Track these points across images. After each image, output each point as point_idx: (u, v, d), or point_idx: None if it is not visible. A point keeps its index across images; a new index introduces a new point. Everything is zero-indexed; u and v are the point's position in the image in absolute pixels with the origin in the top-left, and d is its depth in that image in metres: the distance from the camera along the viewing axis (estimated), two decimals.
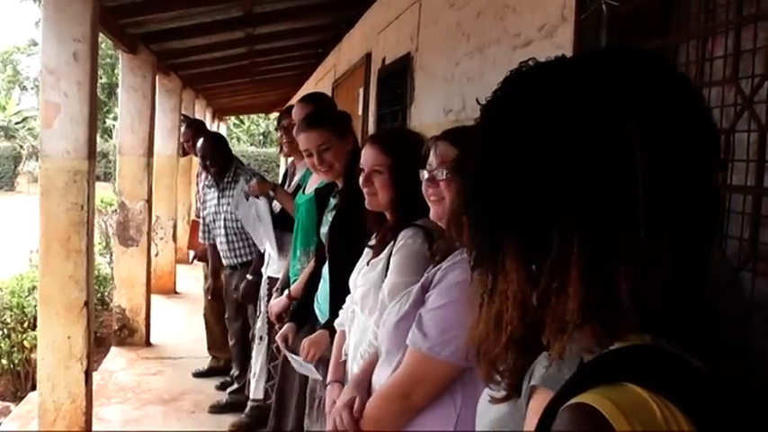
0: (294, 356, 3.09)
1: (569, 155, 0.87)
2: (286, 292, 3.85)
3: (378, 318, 2.15)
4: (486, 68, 3.42)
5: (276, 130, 4.69)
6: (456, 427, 1.80)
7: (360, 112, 6.68)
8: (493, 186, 0.93)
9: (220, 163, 5.09)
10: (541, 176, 0.89)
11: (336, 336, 2.70)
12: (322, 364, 2.90)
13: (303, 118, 3.40)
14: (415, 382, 1.87)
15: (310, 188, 3.76)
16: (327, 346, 2.89)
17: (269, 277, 4.48)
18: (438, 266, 1.92)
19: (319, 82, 10.94)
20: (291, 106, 4.57)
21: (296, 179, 4.45)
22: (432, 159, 1.98)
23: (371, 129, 6.13)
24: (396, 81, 5.32)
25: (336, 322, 2.69)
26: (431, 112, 4.26)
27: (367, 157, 2.46)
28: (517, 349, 1.15)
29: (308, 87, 12.50)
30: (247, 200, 4.59)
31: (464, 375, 1.81)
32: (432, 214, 2.00)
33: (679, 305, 0.90)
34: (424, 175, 1.99)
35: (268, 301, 4.25)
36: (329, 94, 9.18)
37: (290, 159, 4.89)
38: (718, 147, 0.95)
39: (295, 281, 3.80)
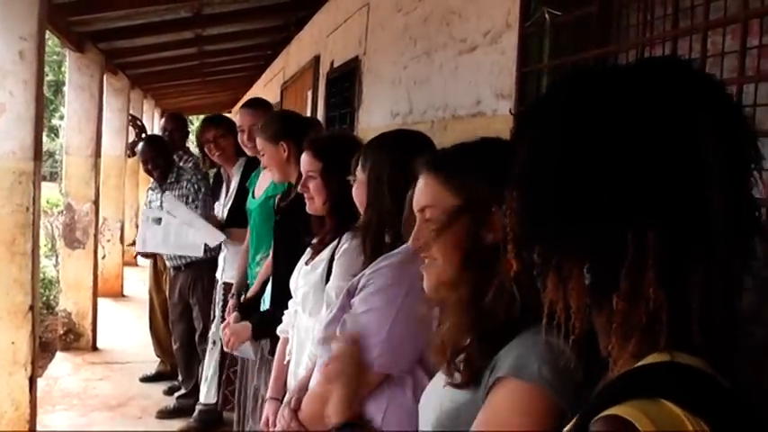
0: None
1: (646, 162, 0.87)
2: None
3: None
4: (433, 72, 3.45)
5: (202, 144, 4.63)
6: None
7: (309, 115, 6.67)
8: (562, 195, 0.92)
9: (161, 165, 5.05)
10: (618, 184, 0.88)
11: (278, 345, 2.71)
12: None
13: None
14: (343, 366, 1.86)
15: (260, 191, 3.75)
16: (248, 337, 3.08)
17: (224, 283, 4.44)
18: (363, 272, 1.92)
19: (268, 84, 10.91)
20: (210, 118, 4.67)
21: (233, 185, 4.49)
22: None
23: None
24: (344, 84, 5.33)
25: (279, 329, 2.69)
26: (379, 115, 4.27)
27: (303, 162, 2.49)
28: (491, 344, 1.26)
29: (257, 89, 12.45)
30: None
31: (391, 382, 1.78)
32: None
33: (725, 313, 0.91)
34: (351, 180, 2.03)
35: (223, 306, 4.23)
36: (278, 96, 9.18)
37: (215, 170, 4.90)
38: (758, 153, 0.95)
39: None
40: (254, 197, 3.84)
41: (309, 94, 6.77)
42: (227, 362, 4.27)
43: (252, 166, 4.17)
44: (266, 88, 11.22)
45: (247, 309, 3.41)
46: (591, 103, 0.93)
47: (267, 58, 10.48)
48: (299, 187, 2.52)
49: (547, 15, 2.27)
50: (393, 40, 4.17)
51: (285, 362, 2.57)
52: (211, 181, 5.05)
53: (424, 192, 1.46)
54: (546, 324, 0.98)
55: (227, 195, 4.59)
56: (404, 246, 1.85)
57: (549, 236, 0.94)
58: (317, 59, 6.58)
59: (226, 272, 4.47)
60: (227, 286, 4.36)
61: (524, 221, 0.98)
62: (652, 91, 0.91)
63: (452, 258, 1.38)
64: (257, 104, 4.02)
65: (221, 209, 4.60)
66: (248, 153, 3.91)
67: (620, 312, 0.90)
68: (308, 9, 7.00)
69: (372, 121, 4.49)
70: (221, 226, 4.48)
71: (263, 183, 3.70)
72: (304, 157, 2.50)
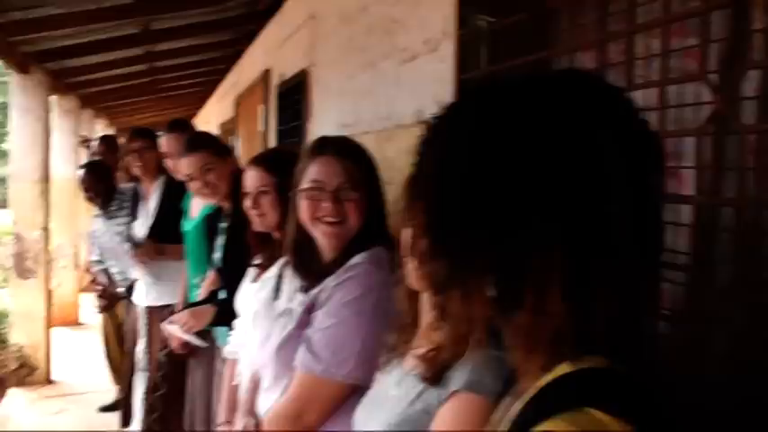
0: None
1: (549, 177, 0.86)
2: None
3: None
4: (377, 83, 3.44)
5: (124, 155, 4.53)
6: None
7: (261, 129, 6.63)
8: (468, 209, 0.90)
9: (102, 192, 4.93)
10: (522, 199, 0.87)
11: (226, 367, 2.67)
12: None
13: (183, 143, 3.36)
14: (309, 403, 1.84)
15: (195, 212, 3.69)
16: (208, 321, 3.03)
17: (148, 307, 4.35)
18: (322, 286, 1.90)
19: (222, 98, 10.83)
20: (140, 129, 4.55)
21: (153, 203, 4.38)
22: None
23: (273, 145, 6.08)
24: (294, 97, 5.29)
25: (227, 350, 2.66)
26: (328, 127, 4.25)
27: (251, 179, 2.47)
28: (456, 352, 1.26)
29: (211, 104, 12.37)
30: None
31: (357, 392, 1.79)
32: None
33: (633, 325, 0.91)
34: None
35: (148, 331, 4.15)
36: (232, 110, 9.12)
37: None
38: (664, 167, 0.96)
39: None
40: (190, 218, 3.76)
41: (261, 107, 6.71)
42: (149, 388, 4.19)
43: (172, 186, 4.10)
44: (220, 103, 11.15)
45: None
46: (496, 116, 0.91)
47: (220, 73, 10.39)
48: (246, 204, 2.48)
49: (482, 22, 2.27)
50: (339, 52, 4.15)
51: (234, 383, 2.53)
52: None
53: None
54: (447, 338, 0.98)
55: (145, 213, 4.45)
56: (362, 255, 1.84)
57: (454, 249, 0.93)
58: (267, 73, 6.54)
59: (148, 294, 4.38)
60: (152, 310, 4.29)
61: (430, 233, 0.96)
62: (556, 106, 0.90)
63: None
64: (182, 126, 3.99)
65: (139, 228, 4.44)
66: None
67: (524, 327, 0.90)
68: (258, 22, 6.95)
69: (322, 133, 4.43)
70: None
71: (199, 203, 3.63)
72: (253, 174, 2.49)
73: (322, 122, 4.54)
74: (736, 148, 1.45)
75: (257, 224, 2.46)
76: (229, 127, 9.69)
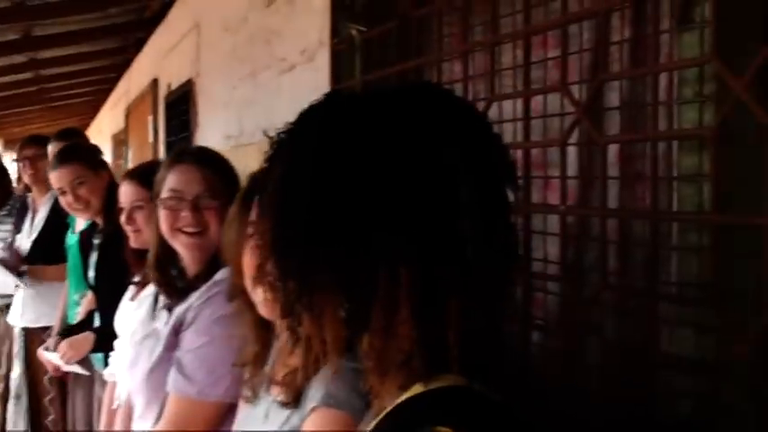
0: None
1: (396, 191, 0.83)
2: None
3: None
4: (259, 93, 3.40)
5: (15, 161, 4.34)
6: None
7: (151, 140, 6.48)
8: (313, 226, 0.86)
9: None
10: (367, 217, 0.84)
11: (107, 390, 2.58)
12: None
13: (55, 155, 3.25)
14: (187, 427, 1.78)
15: (78, 227, 3.57)
16: (87, 349, 2.95)
17: (24, 328, 4.14)
18: (187, 304, 1.84)
19: (114, 108, 10.57)
20: (34, 136, 4.38)
21: (41, 216, 4.20)
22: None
23: (162, 157, 5.94)
24: (181, 107, 5.18)
25: (106, 372, 2.57)
26: (214, 139, 4.17)
27: (126, 194, 2.39)
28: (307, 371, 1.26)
29: (104, 114, 12.08)
30: None
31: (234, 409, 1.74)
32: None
33: (486, 340, 0.90)
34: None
35: (26, 355, 3.98)
36: (122, 120, 8.89)
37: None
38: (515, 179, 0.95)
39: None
40: (74, 232, 3.62)
41: (150, 118, 6.56)
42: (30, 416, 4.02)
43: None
44: (112, 113, 10.88)
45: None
46: (341, 130, 0.88)
47: (111, 82, 10.13)
48: (122, 220, 2.40)
49: (354, 32, 2.25)
50: (222, 61, 4.09)
51: (114, 407, 2.45)
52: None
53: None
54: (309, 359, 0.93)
55: (31, 226, 4.25)
56: (227, 269, 1.78)
57: (300, 268, 0.89)
58: (155, 82, 6.39)
59: (24, 315, 4.16)
60: (29, 332, 4.10)
61: (275, 251, 0.91)
62: (401, 120, 0.87)
63: None
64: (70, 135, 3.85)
65: (23, 241, 4.24)
66: None
67: (375, 349, 0.87)
68: (145, 30, 6.79)
69: (209, 144, 4.35)
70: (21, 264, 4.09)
71: (81, 219, 3.51)
72: (128, 189, 2.41)
73: (208, 134, 4.46)
74: (599, 158, 1.45)
75: (133, 240, 2.38)
76: (122, 137, 9.45)
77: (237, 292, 1.51)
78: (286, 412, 1.33)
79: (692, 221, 1.35)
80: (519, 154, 1.66)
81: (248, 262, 1.40)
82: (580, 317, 1.50)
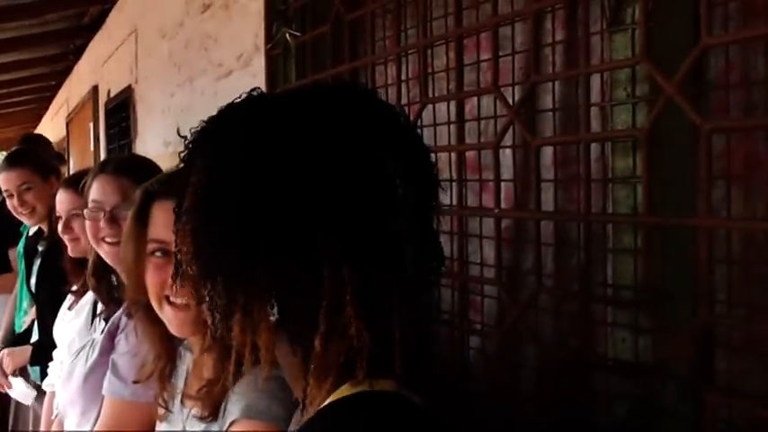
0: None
1: (334, 189, 0.82)
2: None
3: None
4: (196, 99, 3.36)
5: None
6: None
7: (92, 148, 6.36)
8: (248, 228, 0.82)
9: None
10: (305, 217, 0.81)
11: (45, 400, 2.53)
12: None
13: (5, 157, 3.20)
14: (120, 428, 1.73)
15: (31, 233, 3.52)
16: (24, 360, 2.90)
17: None
18: (122, 310, 1.81)
19: (55, 116, 10.39)
20: None
21: None
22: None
23: None
24: (121, 114, 5.11)
25: (45, 383, 2.52)
26: (153, 145, 4.12)
27: (63, 202, 2.35)
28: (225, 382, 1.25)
29: (45, 122, 11.87)
30: None
31: None
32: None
33: (418, 342, 0.90)
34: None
35: None
36: (64, 128, 8.74)
37: None
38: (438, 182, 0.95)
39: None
40: (24, 239, 3.58)
41: (91, 125, 6.44)
42: None
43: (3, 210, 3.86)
44: (54, 121, 10.69)
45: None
46: (272, 127, 0.85)
47: (52, 89, 9.94)
48: (60, 229, 2.35)
49: (288, 37, 2.22)
50: (160, 68, 4.04)
51: (53, 416, 2.39)
52: None
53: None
54: (233, 368, 0.94)
55: None
56: None
57: (234, 269, 0.85)
58: (95, 89, 6.29)
59: None
60: None
61: (203, 254, 0.87)
62: (333, 119, 0.86)
63: None
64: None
65: None
66: None
67: (318, 352, 0.83)
68: (85, 36, 6.67)
69: (148, 151, 4.31)
70: None
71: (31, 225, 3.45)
72: (64, 197, 2.35)
73: (148, 140, 4.40)
74: (534, 161, 1.44)
75: (71, 249, 2.33)
76: (63, 146, 9.29)
77: (138, 309, 1.48)
78: (202, 426, 1.31)
79: (625, 223, 1.34)
80: (453, 157, 1.64)
81: (153, 279, 1.35)
82: (516, 320, 1.48)
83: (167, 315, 1.35)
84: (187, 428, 1.36)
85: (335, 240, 0.81)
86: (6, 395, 3.28)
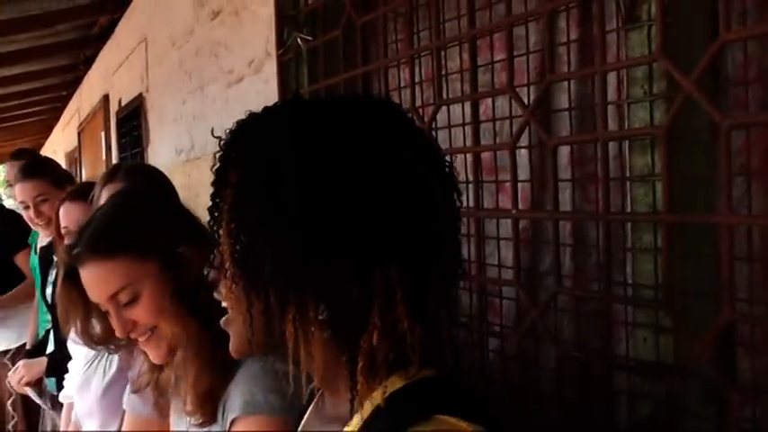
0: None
1: (383, 198, 0.84)
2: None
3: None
4: (207, 106, 3.35)
5: None
6: None
7: (104, 157, 6.38)
8: (303, 233, 0.83)
9: None
10: (359, 222, 0.83)
11: (63, 412, 2.52)
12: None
13: (20, 168, 3.20)
14: None
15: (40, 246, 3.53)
16: (40, 372, 2.90)
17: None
18: None
19: (66, 127, 10.42)
20: None
21: None
22: None
23: None
24: (132, 123, 5.12)
25: (62, 395, 2.51)
26: (165, 154, 4.11)
27: (71, 214, 2.34)
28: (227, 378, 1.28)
29: (57, 132, 11.91)
30: None
31: None
32: None
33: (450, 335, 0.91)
34: None
35: None
36: (75, 138, 8.76)
37: None
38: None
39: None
40: (36, 253, 3.58)
41: (103, 135, 6.46)
42: None
43: (7, 218, 3.88)
44: (65, 131, 10.72)
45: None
46: (328, 133, 0.86)
47: (63, 100, 9.98)
48: (67, 240, 2.35)
49: (300, 41, 2.22)
50: (171, 76, 4.03)
51: (71, 428, 2.39)
52: None
53: (107, 280, 1.36)
54: (293, 372, 0.91)
55: None
56: None
57: (287, 271, 0.85)
58: (106, 99, 6.31)
59: None
60: None
61: (255, 254, 0.87)
62: (380, 129, 0.88)
63: (180, 318, 1.32)
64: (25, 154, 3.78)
65: None
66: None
67: (368, 349, 0.85)
68: (95, 46, 6.69)
69: (160, 159, 4.32)
70: None
71: (44, 237, 3.47)
72: (73, 209, 2.35)
73: (159, 148, 4.40)
74: (551, 161, 1.43)
75: None
76: (75, 156, 9.32)
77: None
78: (204, 430, 1.33)
79: (645, 222, 1.33)
80: (469, 158, 1.63)
81: (121, 321, 1.37)
82: (536, 321, 1.47)
83: (150, 349, 1.40)
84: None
85: (385, 242, 0.83)
86: (38, 406, 3.28)
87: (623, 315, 1.38)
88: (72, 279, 1.42)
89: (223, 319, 1.02)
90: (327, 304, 0.85)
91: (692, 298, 1.22)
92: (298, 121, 0.88)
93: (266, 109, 0.93)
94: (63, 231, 2.36)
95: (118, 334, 1.40)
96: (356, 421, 0.88)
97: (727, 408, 1.12)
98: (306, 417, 1.05)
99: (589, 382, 1.41)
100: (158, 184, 2.00)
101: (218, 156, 0.92)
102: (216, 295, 1.01)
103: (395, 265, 0.83)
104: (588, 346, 1.44)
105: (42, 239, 3.49)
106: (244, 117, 0.93)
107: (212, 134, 0.96)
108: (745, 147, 1.18)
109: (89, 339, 1.60)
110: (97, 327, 1.52)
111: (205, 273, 1.07)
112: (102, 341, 1.56)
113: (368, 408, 0.87)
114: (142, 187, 1.70)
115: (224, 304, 0.99)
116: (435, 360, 0.88)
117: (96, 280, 1.36)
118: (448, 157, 0.95)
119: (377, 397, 0.86)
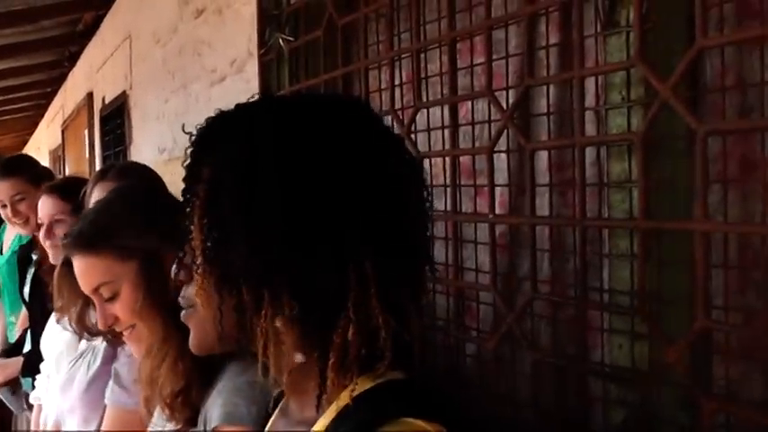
0: None
1: (358, 195, 0.84)
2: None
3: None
4: (191, 105, 3.33)
5: None
6: None
7: (87, 155, 6.34)
8: (278, 228, 0.82)
9: None
10: (335, 216, 0.83)
11: (33, 414, 2.50)
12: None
13: None
14: None
15: (6, 246, 3.50)
16: (15, 371, 2.90)
17: None
18: None
19: (51, 124, 10.36)
20: None
21: None
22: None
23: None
24: (116, 121, 5.09)
25: (32, 395, 2.49)
26: (148, 152, 4.09)
27: (45, 207, 2.33)
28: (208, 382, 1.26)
29: (41, 130, 11.84)
30: None
31: None
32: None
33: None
34: None
35: None
36: (59, 135, 8.70)
37: None
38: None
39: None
40: (0, 253, 3.54)
41: (86, 132, 6.42)
42: None
43: None
44: (49, 129, 10.66)
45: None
46: (303, 131, 0.86)
47: (48, 96, 9.91)
48: (41, 234, 2.34)
49: (281, 42, 2.20)
50: (154, 74, 4.02)
51: (41, 430, 2.37)
52: None
53: (90, 274, 1.41)
54: (261, 368, 0.90)
55: None
56: None
57: (261, 266, 0.84)
58: (90, 96, 6.26)
59: None
60: None
61: (228, 249, 0.86)
62: (354, 128, 0.89)
63: (154, 319, 1.32)
64: None
65: None
66: None
67: (339, 346, 0.84)
68: (80, 43, 6.65)
69: (143, 157, 4.28)
70: None
71: (9, 237, 3.45)
72: (47, 202, 2.36)
73: (142, 147, 4.38)
74: (529, 166, 1.42)
75: (52, 256, 2.31)
76: (59, 153, 9.26)
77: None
78: None
79: (621, 228, 1.32)
80: (447, 161, 1.62)
81: (103, 315, 1.42)
82: (511, 326, 1.46)
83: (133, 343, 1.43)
84: None
85: (359, 236, 0.83)
86: (6, 407, 3.26)
87: (599, 321, 1.37)
88: (69, 267, 1.47)
89: (183, 312, 1.01)
90: (301, 299, 0.84)
91: (668, 305, 1.22)
92: (270, 118, 0.88)
93: (238, 106, 0.93)
94: (39, 223, 2.36)
95: (100, 326, 1.45)
96: (323, 422, 0.87)
97: (701, 415, 1.11)
98: (271, 420, 1.04)
99: (564, 387, 1.40)
100: (150, 183, 1.98)
101: (189, 152, 0.91)
102: (180, 299, 1.01)
103: (369, 260, 0.83)
104: (564, 351, 1.43)
105: (6, 245, 3.49)
106: (214, 114, 0.92)
107: (183, 130, 0.95)
108: (722, 154, 1.17)
109: (83, 329, 1.66)
110: (93, 317, 1.53)
111: (173, 273, 1.05)
112: (97, 331, 1.60)
113: (334, 408, 0.86)
114: (137, 186, 1.69)
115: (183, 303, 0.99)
116: (405, 360, 0.88)
117: (80, 272, 1.42)
118: (418, 157, 0.96)
119: (344, 397, 0.85)
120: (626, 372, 1.30)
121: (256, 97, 1.84)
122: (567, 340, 1.43)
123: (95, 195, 1.90)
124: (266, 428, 1.04)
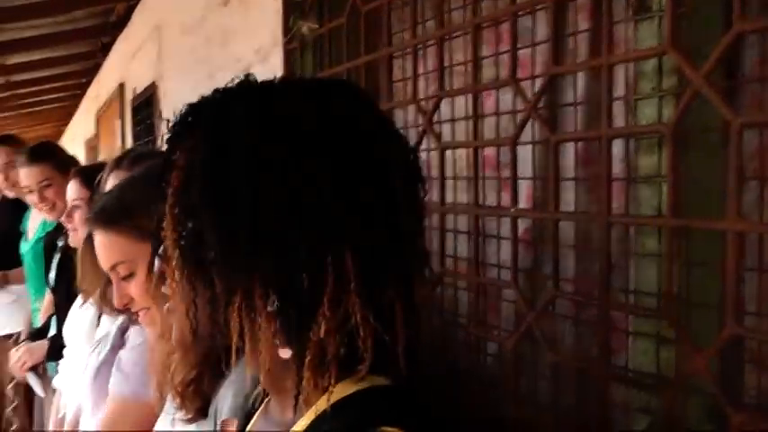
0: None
1: (340, 185, 0.79)
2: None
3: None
4: None
5: None
6: None
7: (119, 145, 6.37)
8: (253, 218, 0.78)
9: None
10: (313, 205, 0.79)
11: (54, 399, 2.50)
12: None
13: (26, 152, 3.18)
14: (116, 426, 1.67)
15: (31, 233, 3.51)
16: (42, 356, 2.91)
17: None
18: None
19: (86, 114, 10.45)
20: None
21: None
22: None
23: None
24: (146, 111, 5.09)
25: (55, 380, 2.48)
26: None
27: (69, 191, 2.35)
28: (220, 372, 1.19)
29: (77, 119, 11.96)
30: None
31: None
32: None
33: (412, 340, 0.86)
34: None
35: None
36: (93, 126, 8.78)
37: None
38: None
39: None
40: (26, 240, 3.57)
41: (118, 122, 6.45)
42: None
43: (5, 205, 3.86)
44: (84, 119, 10.76)
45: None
46: (284, 118, 0.82)
47: (83, 87, 9.99)
48: (62, 218, 2.34)
49: (306, 29, 2.17)
50: (182, 64, 4.02)
51: (60, 416, 2.36)
52: None
53: (108, 250, 1.40)
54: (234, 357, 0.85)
55: None
56: None
57: (234, 256, 0.80)
58: (121, 86, 6.29)
59: None
60: None
61: (199, 238, 0.82)
62: (341, 115, 0.84)
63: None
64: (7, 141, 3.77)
65: None
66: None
67: (315, 344, 0.80)
68: (111, 34, 6.68)
69: None
70: None
71: (34, 223, 3.46)
72: (71, 186, 2.37)
73: None
74: (553, 158, 1.35)
75: (71, 239, 2.31)
76: (94, 143, 9.34)
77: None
78: (191, 427, 1.29)
79: (649, 225, 1.26)
80: (470, 153, 1.56)
81: (119, 293, 1.42)
82: (531, 326, 1.40)
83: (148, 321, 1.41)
84: (176, 428, 1.32)
85: (338, 227, 0.78)
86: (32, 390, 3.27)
87: (624, 323, 1.31)
88: (92, 243, 1.48)
89: (166, 305, 0.97)
90: (277, 293, 0.80)
91: (697, 309, 1.15)
92: (249, 104, 0.84)
93: (216, 91, 0.89)
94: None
95: (116, 304, 1.44)
96: (301, 424, 0.83)
97: (728, 427, 1.04)
98: (254, 418, 1.00)
99: (586, 391, 1.34)
100: None
101: (165, 138, 0.87)
102: (163, 289, 0.96)
103: (349, 253, 0.79)
104: (587, 353, 1.37)
105: (32, 231, 3.53)
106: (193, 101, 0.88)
107: (159, 116, 0.90)
108: (759, 149, 1.10)
109: (106, 304, 1.71)
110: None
111: (156, 265, 1.01)
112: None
113: (313, 412, 0.82)
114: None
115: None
116: (389, 364, 0.83)
117: (100, 247, 1.42)
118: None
119: (321, 404, 0.81)
120: (650, 377, 1.23)
121: None
122: (589, 342, 1.37)
123: (110, 183, 1.88)
124: (248, 427, 1.00)
